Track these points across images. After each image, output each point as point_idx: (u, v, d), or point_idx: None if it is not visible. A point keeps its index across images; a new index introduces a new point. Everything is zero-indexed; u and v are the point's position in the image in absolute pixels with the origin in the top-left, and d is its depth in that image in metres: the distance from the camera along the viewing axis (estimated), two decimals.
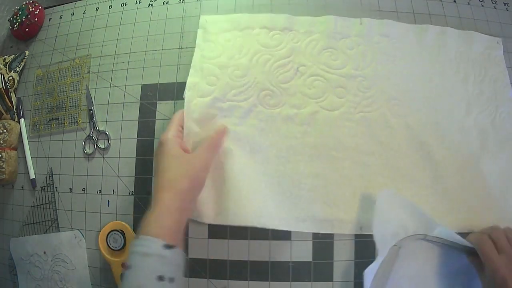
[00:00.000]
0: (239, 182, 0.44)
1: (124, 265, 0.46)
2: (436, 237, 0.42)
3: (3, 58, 0.58)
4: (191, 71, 0.48)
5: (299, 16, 0.50)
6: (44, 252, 0.50)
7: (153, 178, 0.47)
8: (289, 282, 0.45)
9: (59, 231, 0.50)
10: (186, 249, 0.45)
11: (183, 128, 0.45)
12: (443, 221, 0.44)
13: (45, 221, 0.51)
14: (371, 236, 0.43)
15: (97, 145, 0.51)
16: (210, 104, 0.46)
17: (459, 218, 0.45)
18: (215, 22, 0.51)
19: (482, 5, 0.54)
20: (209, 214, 0.44)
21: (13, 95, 0.56)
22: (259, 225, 0.42)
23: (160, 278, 0.33)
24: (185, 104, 0.46)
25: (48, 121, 0.54)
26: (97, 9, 0.58)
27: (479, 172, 0.46)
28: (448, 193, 0.46)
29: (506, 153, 0.48)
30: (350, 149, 0.46)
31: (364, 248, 0.45)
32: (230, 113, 0.47)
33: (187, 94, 0.47)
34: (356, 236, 0.45)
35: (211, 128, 0.45)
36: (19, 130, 0.55)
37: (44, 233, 0.51)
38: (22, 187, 0.54)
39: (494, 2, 0.54)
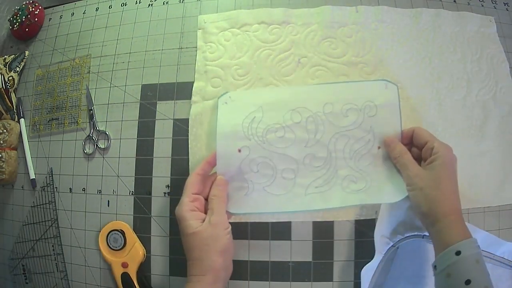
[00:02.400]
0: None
1: (124, 265, 0.46)
2: None
3: (3, 58, 0.58)
4: (196, 75, 0.50)
5: (295, 9, 0.51)
6: None
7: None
8: (289, 282, 0.45)
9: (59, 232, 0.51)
10: None
11: (196, 194, 0.41)
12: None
13: (45, 221, 0.51)
14: (371, 236, 0.43)
15: (97, 145, 0.51)
16: (216, 106, 0.47)
17: (468, 196, 0.45)
18: (213, 22, 0.51)
19: (482, 5, 0.54)
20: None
21: (13, 95, 0.56)
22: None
23: None
24: (191, 109, 0.48)
25: (48, 121, 0.54)
26: (97, 9, 0.58)
27: (485, 147, 0.47)
28: (458, 172, 0.46)
29: (509, 127, 0.48)
30: None
31: (364, 248, 0.45)
32: None
33: (193, 99, 0.49)
34: (356, 236, 0.45)
35: (212, 186, 0.43)
36: (19, 130, 0.55)
37: (44, 233, 0.51)
38: (22, 187, 0.54)
39: (494, 2, 0.54)
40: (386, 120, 0.43)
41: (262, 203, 0.43)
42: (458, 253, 0.34)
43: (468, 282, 0.32)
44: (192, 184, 0.41)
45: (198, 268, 0.37)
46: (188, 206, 0.39)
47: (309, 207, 0.43)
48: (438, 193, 0.37)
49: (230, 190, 0.43)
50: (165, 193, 0.48)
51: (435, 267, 0.36)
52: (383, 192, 0.42)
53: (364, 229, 0.45)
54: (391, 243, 0.42)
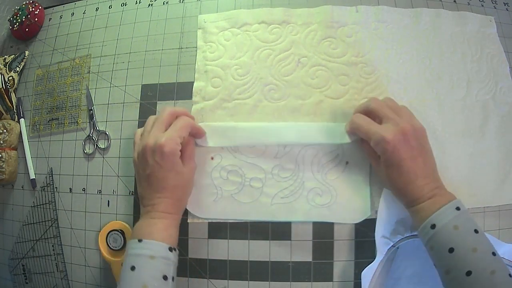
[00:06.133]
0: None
1: None
2: None
3: (3, 58, 0.58)
4: (196, 75, 0.50)
5: (295, 9, 0.51)
6: None
7: (143, 174, 0.41)
8: (289, 282, 0.45)
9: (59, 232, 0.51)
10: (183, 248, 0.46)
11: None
12: None
13: (45, 221, 0.51)
14: (371, 236, 0.43)
15: (97, 145, 0.51)
16: (216, 106, 0.48)
17: (468, 195, 0.45)
18: (213, 21, 0.51)
19: (482, 5, 0.54)
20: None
21: (13, 95, 0.56)
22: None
23: (165, 277, 0.35)
24: (192, 109, 0.48)
25: (48, 121, 0.54)
26: (97, 9, 0.58)
27: (485, 147, 0.47)
28: (457, 172, 0.46)
29: (509, 127, 0.48)
30: None
31: (364, 248, 0.45)
32: (237, 111, 0.47)
33: (194, 99, 0.49)
34: (356, 236, 0.45)
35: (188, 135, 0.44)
36: (19, 130, 0.55)
37: (44, 233, 0.51)
38: (22, 187, 0.54)
39: (494, 2, 0.54)
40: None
41: (229, 210, 0.45)
42: (433, 226, 0.34)
43: (451, 250, 0.33)
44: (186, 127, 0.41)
45: (176, 207, 0.41)
46: (177, 140, 0.40)
47: (273, 217, 0.44)
48: (395, 191, 0.39)
49: (200, 195, 0.45)
50: None
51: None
52: (347, 211, 0.44)
53: (364, 229, 0.45)
54: (391, 243, 0.42)
